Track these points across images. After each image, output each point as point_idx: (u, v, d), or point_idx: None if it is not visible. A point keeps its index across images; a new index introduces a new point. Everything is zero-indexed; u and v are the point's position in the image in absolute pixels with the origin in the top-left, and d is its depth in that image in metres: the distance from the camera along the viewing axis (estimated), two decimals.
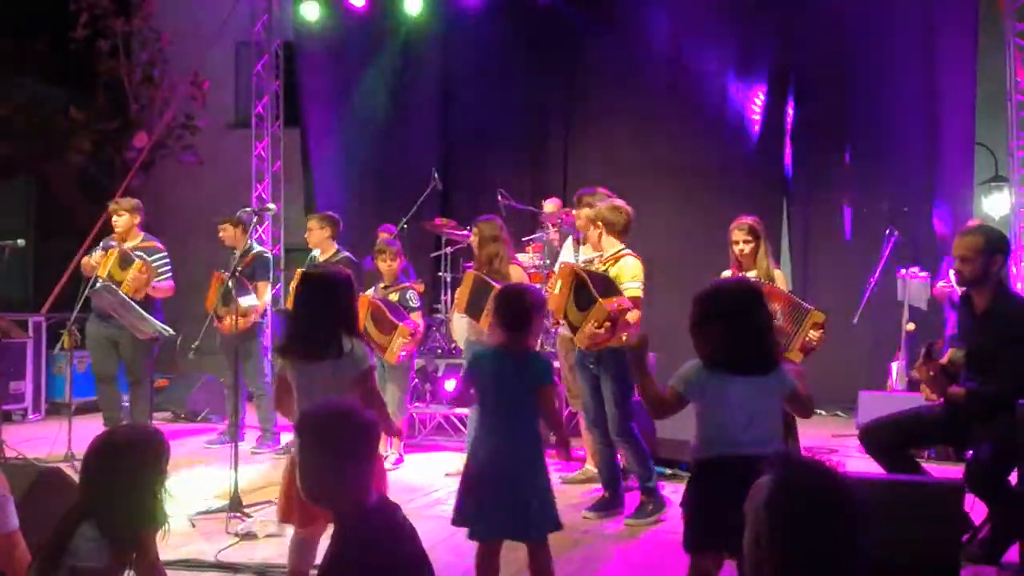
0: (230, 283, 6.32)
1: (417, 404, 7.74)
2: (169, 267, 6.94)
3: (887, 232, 7.89)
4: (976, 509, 4.06)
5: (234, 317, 6.15)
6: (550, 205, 7.87)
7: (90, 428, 6.62)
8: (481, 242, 6.15)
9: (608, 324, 4.72)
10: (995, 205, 10.00)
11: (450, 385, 7.46)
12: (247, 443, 7.15)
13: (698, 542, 3.09)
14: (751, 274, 5.32)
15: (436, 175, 8.30)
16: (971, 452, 4.38)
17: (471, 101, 10.58)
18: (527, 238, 8.32)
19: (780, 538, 1.82)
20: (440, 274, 8.34)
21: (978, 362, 4.16)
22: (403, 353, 6.33)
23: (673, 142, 9.76)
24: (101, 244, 6.97)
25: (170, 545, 3.36)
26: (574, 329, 4.93)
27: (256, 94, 10.34)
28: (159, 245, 6.97)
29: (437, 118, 10.82)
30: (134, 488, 2.71)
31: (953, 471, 4.83)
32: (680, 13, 9.95)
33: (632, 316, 4.85)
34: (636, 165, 9.48)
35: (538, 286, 6.26)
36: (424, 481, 6.09)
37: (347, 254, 7.06)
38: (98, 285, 6.47)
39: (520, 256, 7.63)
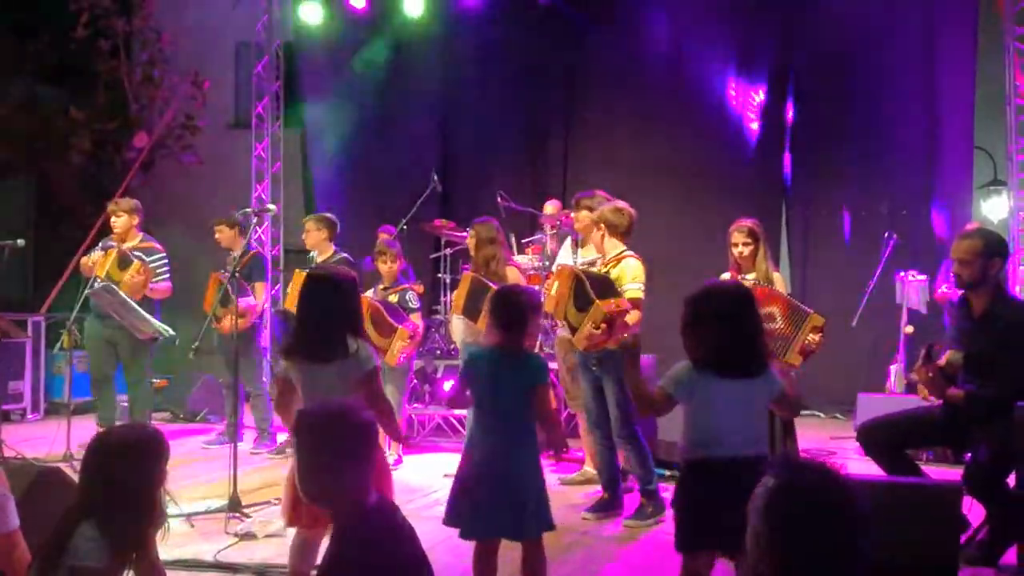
0: (228, 284, 6.32)
1: (416, 405, 7.75)
2: (167, 268, 6.95)
3: (886, 235, 7.89)
4: (974, 511, 4.07)
5: (233, 318, 6.13)
6: (550, 207, 7.88)
7: (89, 428, 6.66)
8: (478, 244, 6.16)
9: (605, 326, 4.73)
10: (994, 208, 10.02)
11: (449, 386, 7.46)
12: (246, 443, 7.15)
13: (688, 542, 3.11)
14: (750, 276, 5.33)
15: (435, 176, 8.30)
16: (969, 454, 4.39)
17: (471, 102, 10.58)
18: (526, 240, 8.33)
19: (780, 539, 1.82)
20: (439, 275, 8.35)
21: (976, 365, 4.17)
22: (402, 356, 6.34)
23: (673, 143, 9.76)
24: (100, 244, 6.98)
25: (169, 545, 3.36)
26: (574, 331, 4.94)
27: (256, 94, 10.34)
28: (157, 246, 6.98)
29: (437, 119, 10.82)
30: (133, 488, 2.72)
31: (951, 473, 4.84)
32: (680, 14, 9.95)
33: (632, 317, 4.86)
34: (636, 167, 9.48)
35: (536, 287, 6.28)
36: (423, 482, 6.10)
37: (345, 255, 7.07)
38: (97, 285, 6.47)
39: (519, 258, 7.64)
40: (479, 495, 3.38)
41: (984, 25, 8.58)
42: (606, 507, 5.20)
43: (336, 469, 2.47)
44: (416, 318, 6.59)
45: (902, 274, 7.80)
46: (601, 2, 10.15)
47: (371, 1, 9.74)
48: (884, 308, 7.90)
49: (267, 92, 10.29)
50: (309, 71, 10.53)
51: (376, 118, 10.50)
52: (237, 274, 6.48)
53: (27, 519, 2.98)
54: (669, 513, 4.94)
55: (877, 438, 4.43)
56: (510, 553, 3.55)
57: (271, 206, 7.59)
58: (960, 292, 4.39)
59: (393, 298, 6.58)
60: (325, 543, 2.65)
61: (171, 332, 6.28)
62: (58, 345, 7.16)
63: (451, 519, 3.47)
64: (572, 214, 6.05)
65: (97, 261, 6.68)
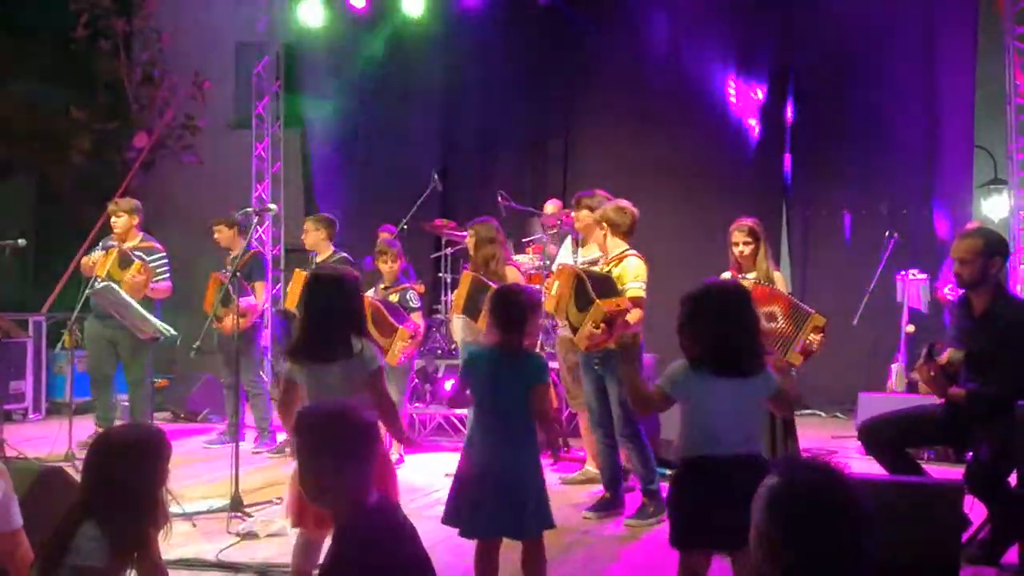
0: (229, 284, 6.33)
1: (417, 405, 7.76)
2: (167, 268, 6.96)
3: (886, 234, 7.90)
4: (976, 510, 4.07)
5: (234, 318, 6.13)
6: (550, 206, 7.89)
7: (90, 428, 6.67)
8: (477, 243, 6.17)
9: (605, 325, 4.74)
10: (994, 208, 10.01)
11: (450, 385, 7.47)
12: (247, 443, 7.15)
13: (683, 540, 3.12)
14: (751, 276, 5.33)
15: (436, 176, 8.30)
16: (971, 453, 4.40)
17: (471, 102, 10.59)
18: (527, 239, 8.33)
19: (783, 539, 1.83)
20: (440, 275, 8.35)
21: (977, 364, 4.18)
22: (403, 356, 6.35)
23: (673, 143, 9.77)
24: (100, 244, 6.99)
25: (171, 544, 3.36)
26: (575, 330, 4.95)
27: (256, 94, 10.35)
28: (157, 246, 6.99)
29: (437, 119, 10.82)
30: (135, 487, 2.72)
31: (953, 472, 4.84)
32: (680, 14, 9.96)
33: (633, 316, 4.87)
34: (636, 166, 9.48)
35: (536, 287, 6.29)
36: (424, 481, 6.10)
37: (344, 255, 7.07)
38: (98, 285, 6.48)
39: (520, 257, 7.65)
40: (479, 494, 3.38)
41: (984, 24, 8.59)
42: (608, 506, 5.21)
43: (336, 469, 2.47)
44: (417, 317, 6.60)
45: (902, 273, 7.81)
46: (601, 3, 10.16)
47: (371, 1, 9.74)
48: (885, 307, 7.90)
49: (267, 92, 10.29)
50: (309, 71, 10.53)
51: (376, 118, 10.51)
52: (238, 274, 6.49)
53: (29, 519, 2.99)
54: None
55: (879, 437, 4.44)
56: (511, 553, 3.55)
57: (272, 206, 7.60)
58: (961, 291, 4.40)
59: (394, 297, 6.58)
60: (328, 543, 2.65)
61: (172, 332, 6.28)
62: (59, 345, 7.17)
63: (450, 518, 3.48)
64: (572, 213, 6.05)
65: (98, 261, 6.69)
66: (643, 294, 5.05)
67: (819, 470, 1.90)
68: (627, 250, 5.18)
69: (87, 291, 6.60)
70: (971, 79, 8.61)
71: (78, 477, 2.92)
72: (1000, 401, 4.04)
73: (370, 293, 6.61)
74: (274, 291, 9.87)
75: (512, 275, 6.13)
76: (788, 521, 1.83)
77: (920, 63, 9.15)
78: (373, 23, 10.18)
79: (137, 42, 12.15)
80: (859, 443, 4.69)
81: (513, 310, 3.50)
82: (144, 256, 6.72)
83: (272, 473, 6.12)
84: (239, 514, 4.92)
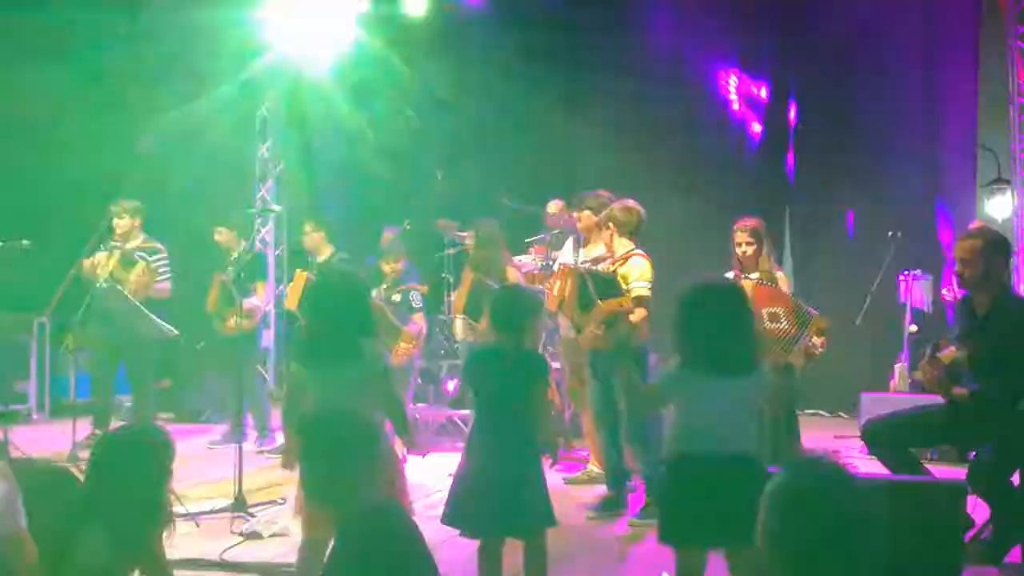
0: (232, 286, 6.34)
1: (420, 405, 7.76)
2: (168, 268, 6.98)
3: (889, 234, 7.90)
4: (978, 509, 4.07)
5: (238, 319, 6.17)
6: (553, 206, 7.88)
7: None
8: (478, 244, 6.18)
9: (606, 326, 4.74)
10: (997, 207, 9.98)
11: (453, 385, 7.48)
12: (250, 443, 7.15)
13: (670, 536, 3.13)
14: (753, 276, 5.33)
15: (439, 176, 8.31)
16: (974, 453, 4.39)
17: (474, 102, 10.59)
18: (529, 239, 8.33)
19: (790, 537, 1.84)
20: (443, 275, 8.36)
21: (980, 364, 4.17)
22: (405, 356, 6.36)
23: (676, 143, 9.77)
24: (102, 245, 7.01)
25: (175, 545, 3.36)
26: (579, 331, 4.97)
27: (259, 95, 10.34)
28: (159, 245, 7.01)
29: (440, 119, 10.82)
30: (139, 487, 2.73)
31: (956, 472, 4.84)
32: (682, 14, 9.97)
33: (637, 316, 4.87)
34: (638, 166, 9.48)
35: (538, 287, 6.29)
36: (427, 481, 6.09)
37: (343, 255, 7.08)
38: (103, 286, 6.49)
39: (523, 257, 7.65)
40: (480, 494, 3.39)
41: (986, 23, 8.58)
42: (611, 506, 5.21)
43: (338, 470, 2.48)
44: (419, 318, 6.61)
45: (905, 273, 7.81)
46: (603, 3, 10.16)
47: (373, 0, 9.74)
48: (888, 307, 7.90)
49: (270, 92, 10.28)
50: (312, 71, 10.52)
51: (379, 117, 10.50)
52: (242, 275, 6.51)
53: (33, 519, 2.99)
54: None
55: (882, 437, 4.44)
56: (512, 552, 3.56)
57: (275, 206, 7.61)
58: (961, 292, 4.40)
59: (396, 298, 6.60)
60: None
61: (175, 332, 6.29)
62: (63, 346, 7.18)
63: (451, 518, 3.49)
64: (575, 213, 6.05)
65: (100, 262, 6.71)
66: (648, 293, 5.04)
67: (826, 469, 1.91)
68: (633, 249, 5.17)
69: (90, 292, 6.61)
70: (974, 78, 8.61)
71: (82, 477, 2.93)
72: (1003, 401, 4.04)
73: (373, 293, 6.62)
74: (278, 292, 9.88)
75: (513, 275, 6.14)
76: (795, 520, 1.84)
77: (922, 62, 9.15)
78: (376, 24, 10.18)
79: (141, 41, 12.14)
80: (862, 443, 4.68)
81: (514, 311, 3.51)
82: (147, 256, 6.74)
83: (275, 473, 6.10)
84: (242, 514, 4.93)
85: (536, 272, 7.34)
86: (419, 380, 7.64)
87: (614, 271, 5.10)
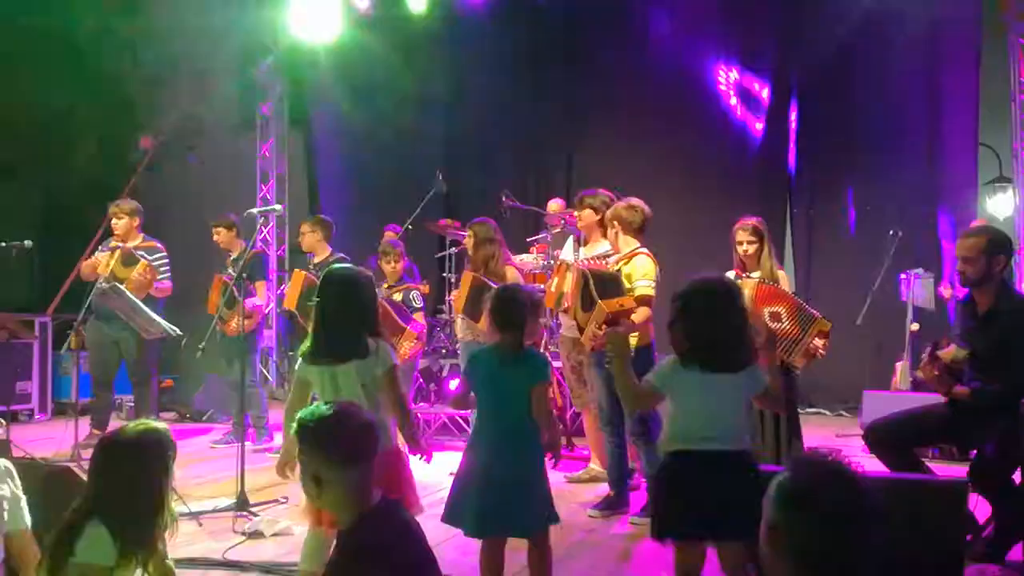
0: (234, 286, 6.34)
1: (422, 404, 7.77)
2: (168, 267, 6.99)
3: (891, 233, 7.90)
4: (980, 507, 4.07)
5: (240, 319, 6.15)
6: (554, 205, 7.90)
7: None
8: (476, 244, 6.18)
9: (607, 325, 4.73)
10: (999, 206, 9.99)
11: (455, 385, 7.48)
12: (251, 442, 7.17)
13: (663, 531, 3.14)
14: (755, 275, 5.33)
15: (440, 176, 8.32)
16: (975, 451, 4.39)
17: (475, 102, 10.60)
18: (531, 239, 8.34)
19: (793, 535, 1.84)
20: (444, 275, 8.37)
21: (982, 362, 4.18)
22: (408, 356, 6.36)
23: (677, 142, 9.78)
24: (102, 246, 7.03)
25: (177, 544, 3.37)
26: (582, 330, 4.97)
27: (261, 95, 10.36)
28: (159, 245, 7.03)
29: (441, 119, 10.84)
30: (141, 486, 2.73)
31: (957, 470, 4.84)
32: (683, 13, 9.97)
33: (640, 315, 4.87)
34: (639, 165, 9.49)
35: (538, 286, 6.30)
36: (429, 480, 6.09)
37: (341, 255, 7.08)
38: (104, 286, 6.50)
39: (524, 256, 7.66)
40: (482, 493, 3.39)
41: (988, 22, 8.57)
42: (613, 505, 5.22)
43: (338, 470, 2.48)
44: (419, 317, 6.61)
45: (907, 272, 7.81)
46: (604, 3, 10.16)
47: (375, 2, 9.75)
48: (889, 305, 7.90)
49: (272, 93, 10.30)
50: (313, 72, 10.54)
51: (381, 118, 10.52)
52: (244, 276, 6.50)
53: (35, 518, 3.00)
54: None
55: (883, 436, 4.43)
56: (516, 551, 3.56)
57: (276, 206, 7.63)
58: (965, 290, 4.40)
59: (397, 297, 6.61)
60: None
61: (178, 331, 6.29)
62: (65, 346, 7.19)
63: (452, 518, 3.49)
64: (575, 212, 6.06)
65: (101, 261, 6.72)
66: (652, 292, 5.04)
67: (829, 467, 1.91)
68: (638, 248, 5.17)
69: (92, 292, 6.62)
70: (975, 76, 8.61)
71: (84, 477, 2.93)
72: (1004, 399, 4.05)
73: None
74: (279, 291, 9.89)
75: (512, 275, 6.14)
76: (798, 517, 1.84)
77: (924, 61, 9.15)
78: (377, 24, 10.19)
79: (143, 42, 12.16)
80: (863, 442, 4.68)
81: (513, 310, 3.51)
82: (147, 255, 6.76)
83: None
84: (245, 513, 4.94)
85: (537, 271, 7.35)
86: (421, 379, 7.64)
87: (618, 270, 5.10)
